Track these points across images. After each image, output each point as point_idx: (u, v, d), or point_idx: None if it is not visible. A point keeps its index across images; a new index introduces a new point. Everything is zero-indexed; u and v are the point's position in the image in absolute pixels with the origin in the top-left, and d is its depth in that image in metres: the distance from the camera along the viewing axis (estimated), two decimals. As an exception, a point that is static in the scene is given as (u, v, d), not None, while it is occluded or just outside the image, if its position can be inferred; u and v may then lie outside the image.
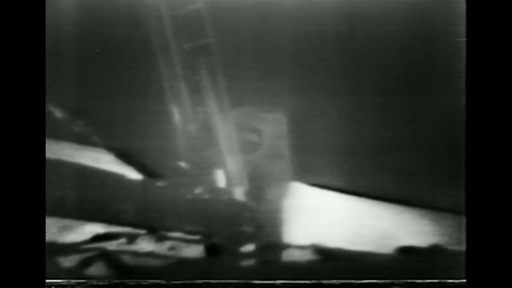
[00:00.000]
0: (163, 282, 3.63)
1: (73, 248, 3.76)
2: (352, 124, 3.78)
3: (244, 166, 3.88)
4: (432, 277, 3.55)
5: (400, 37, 3.74)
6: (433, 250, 3.70)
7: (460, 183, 3.48)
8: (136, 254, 3.74)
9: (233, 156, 3.88)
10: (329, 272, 3.61)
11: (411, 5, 3.74)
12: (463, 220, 3.46)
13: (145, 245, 3.78)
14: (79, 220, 3.85)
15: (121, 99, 3.88)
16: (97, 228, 3.84)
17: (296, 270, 3.68)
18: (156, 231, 3.84)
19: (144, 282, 3.65)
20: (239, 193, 3.91)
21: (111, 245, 3.77)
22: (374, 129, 3.77)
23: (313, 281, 3.59)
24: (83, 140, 3.96)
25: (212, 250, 3.78)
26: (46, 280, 3.47)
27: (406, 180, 3.75)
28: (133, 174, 3.97)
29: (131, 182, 3.95)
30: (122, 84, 3.88)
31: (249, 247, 3.78)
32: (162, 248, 3.78)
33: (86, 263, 3.67)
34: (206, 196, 3.92)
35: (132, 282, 3.63)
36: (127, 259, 3.73)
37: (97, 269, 3.66)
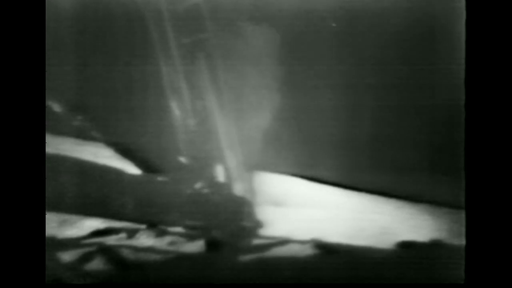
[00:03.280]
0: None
1: (73, 243, 3.76)
2: (351, 119, 3.80)
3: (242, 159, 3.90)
4: (432, 272, 3.57)
5: (399, 32, 3.75)
6: (433, 245, 3.72)
7: (460, 178, 3.49)
8: (136, 249, 3.75)
9: (232, 150, 3.89)
10: (329, 266, 3.62)
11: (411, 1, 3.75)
12: (463, 215, 3.47)
13: (145, 240, 3.79)
14: (78, 215, 3.85)
15: (119, 94, 3.88)
16: (97, 223, 3.84)
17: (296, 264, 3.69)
18: (156, 226, 3.85)
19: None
20: (238, 187, 3.92)
21: (111, 240, 3.78)
22: (373, 125, 3.79)
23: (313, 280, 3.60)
24: (83, 135, 3.97)
25: (212, 245, 3.78)
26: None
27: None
28: (132, 169, 3.98)
29: (130, 177, 3.95)
30: (121, 79, 3.88)
31: (248, 242, 3.79)
32: (162, 243, 3.78)
33: (86, 258, 3.67)
34: (206, 191, 3.93)
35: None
36: (127, 254, 3.73)
37: (97, 264, 3.66)
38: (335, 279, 3.53)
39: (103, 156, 3.96)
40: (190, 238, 3.79)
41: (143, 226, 3.83)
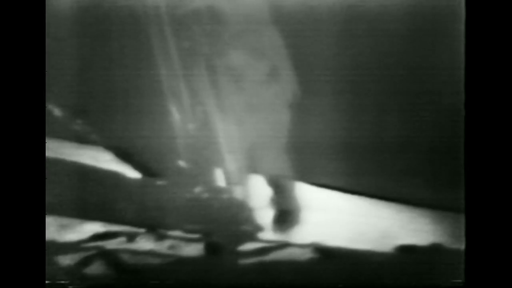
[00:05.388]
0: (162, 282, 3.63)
1: (72, 247, 3.75)
2: (351, 123, 3.79)
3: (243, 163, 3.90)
4: (432, 276, 3.56)
5: (399, 36, 3.75)
6: (433, 249, 3.71)
7: (459, 182, 3.49)
8: (135, 253, 3.74)
9: (232, 154, 3.89)
10: (329, 270, 3.62)
11: (411, 3, 3.75)
12: (462, 219, 3.47)
13: (145, 244, 3.78)
14: (78, 218, 3.84)
15: (119, 99, 3.88)
16: (96, 227, 3.84)
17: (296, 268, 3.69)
18: (155, 230, 3.84)
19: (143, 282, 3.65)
20: (238, 192, 3.91)
21: (110, 244, 3.77)
22: (373, 129, 3.78)
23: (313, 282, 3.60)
24: (83, 139, 3.96)
25: (211, 248, 3.78)
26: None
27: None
28: (132, 173, 3.97)
29: (130, 180, 3.95)
30: (121, 83, 3.88)
31: (248, 246, 3.79)
32: (161, 247, 3.78)
33: (85, 262, 3.66)
34: (205, 195, 3.92)
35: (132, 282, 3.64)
36: (126, 258, 3.72)
37: (96, 268, 3.65)
38: (335, 283, 3.53)
39: (103, 159, 3.95)
40: (190, 242, 3.79)
41: (142, 230, 3.83)
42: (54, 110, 3.89)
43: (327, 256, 3.69)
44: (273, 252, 3.74)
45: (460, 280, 3.40)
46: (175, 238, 3.81)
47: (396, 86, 3.75)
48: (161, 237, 3.81)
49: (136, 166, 3.97)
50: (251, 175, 3.92)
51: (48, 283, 3.42)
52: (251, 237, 3.83)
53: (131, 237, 3.80)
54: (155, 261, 3.71)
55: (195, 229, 3.84)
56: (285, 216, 3.85)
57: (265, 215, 3.87)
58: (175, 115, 3.91)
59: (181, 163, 3.95)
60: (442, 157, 3.71)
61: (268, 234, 3.84)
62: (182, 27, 3.83)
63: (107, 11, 3.81)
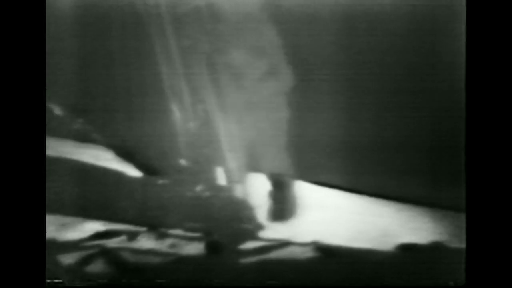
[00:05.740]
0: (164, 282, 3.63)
1: (74, 245, 3.76)
2: (353, 122, 3.79)
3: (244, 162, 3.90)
4: (432, 274, 3.56)
5: (400, 35, 3.74)
6: (433, 247, 3.71)
7: (460, 180, 3.48)
8: (136, 251, 3.75)
9: (233, 153, 3.89)
10: (329, 269, 3.61)
11: (412, 3, 3.74)
12: (463, 218, 3.46)
13: (146, 242, 3.79)
14: (79, 217, 3.85)
15: (120, 97, 3.88)
16: (97, 226, 3.84)
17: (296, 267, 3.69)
18: (156, 229, 3.84)
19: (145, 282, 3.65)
20: (238, 190, 3.92)
21: (111, 243, 3.77)
22: (374, 128, 3.78)
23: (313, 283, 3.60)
24: (83, 138, 3.97)
25: (212, 247, 3.78)
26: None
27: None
28: (133, 172, 3.98)
29: (131, 179, 3.95)
30: (122, 82, 3.88)
31: (249, 245, 3.79)
32: (162, 245, 3.78)
33: (86, 260, 3.67)
34: (206, 194, 3.93)
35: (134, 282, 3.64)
36: (127, 256, 3.73)
37: (97, 267, 3.66)
38: (336, 281, 3.53)
39: (104, 158, 3.96)
40: (191, 240, 3.79)
41: (143, 229, 3.83)
42: (55, 109, 3.90)
43: (327, 254, 3.69)
44: (273, 251, 3.74)
45: (461, 279, 3.39)
46: (176, 236, 3.81)
47: (397, 85, 3.75)
48: (162, 236, 3.81)
49: (137, 164, 3.98)
50: (251, 173, 3.92)
51: (48, 282, 3.43)
52: (252, 235, 3.83)
53: (132, 236, 3.81)
54: (156, 259, 3.71)
55: (196, 227, 3.84)
56: (285, 213, 3.85)
57: (265, 213, 3.87)
58: (176, 114, 3.92)
59: (182, 162, 3.96)
60: (442, 156, 3.71)
61: (269, 233, 3.84)
62: (182, 25, 3.83)
63: (107, 10, 3.81)
